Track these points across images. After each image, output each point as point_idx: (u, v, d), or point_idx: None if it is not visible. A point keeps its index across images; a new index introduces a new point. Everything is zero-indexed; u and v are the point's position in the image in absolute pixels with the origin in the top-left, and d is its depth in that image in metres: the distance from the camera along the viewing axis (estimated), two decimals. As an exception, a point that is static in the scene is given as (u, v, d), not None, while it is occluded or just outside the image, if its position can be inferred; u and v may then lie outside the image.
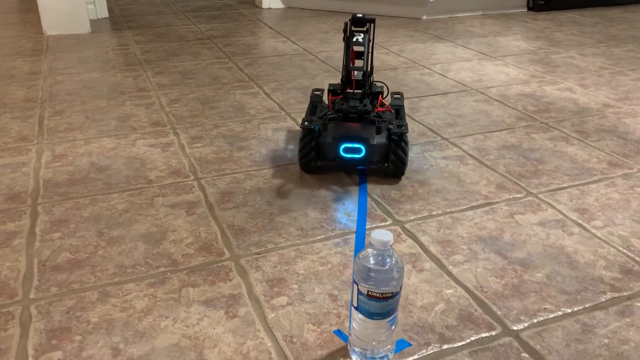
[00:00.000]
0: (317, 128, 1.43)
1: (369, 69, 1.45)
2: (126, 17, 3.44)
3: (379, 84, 1.58)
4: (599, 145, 1.68)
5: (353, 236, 1.22)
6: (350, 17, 1.43)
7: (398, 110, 1.56)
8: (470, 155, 1.60)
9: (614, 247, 1.19)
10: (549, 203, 1.36)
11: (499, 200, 1.37)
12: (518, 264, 1.13)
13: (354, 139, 1.39)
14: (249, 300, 1.02)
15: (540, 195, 1.39)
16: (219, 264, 1.12)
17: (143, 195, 1.38)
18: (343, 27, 1.44)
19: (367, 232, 1.24)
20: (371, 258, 0.82)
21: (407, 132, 1.40)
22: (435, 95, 2.08)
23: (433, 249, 1.18)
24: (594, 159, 1.59)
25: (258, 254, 1.15)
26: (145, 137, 1.71)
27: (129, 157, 1.57)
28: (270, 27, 3.20)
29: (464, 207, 1.34)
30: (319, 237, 1.21)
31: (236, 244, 1.18)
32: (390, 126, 1.41)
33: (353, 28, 1.45)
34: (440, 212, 1.31)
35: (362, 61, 1.43)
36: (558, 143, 1.69)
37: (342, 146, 1.40)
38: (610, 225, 1.27)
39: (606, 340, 0.94)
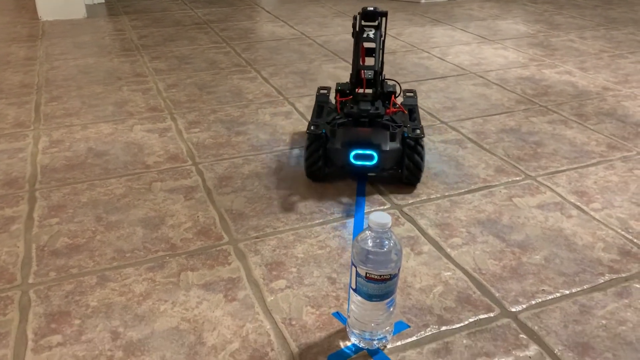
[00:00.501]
0: (324, 132, 1.31)
1: (380, 68, 1.35)
2: (122, 2, 3.41)
3: (390, 82, 1.46)
4: (598, 128, 1.67)
5: (352, 220, 1.22)
6: (359, 10, 1.33)
7: (411, 110, 1.45)
8: (469, 138, 1.60)
9: (612, 229, 1.19)
10: (547, 186, 1.35)
11: (497, 183, 1.37)
12: (516, 247, 1.13)
13: (365, 145, 1.28)
14: (247, 284, 1.02)
15: (539, 178, 1.39)
16: (218, 248, 1.12)
17: (141, 180, 1.37)
18: (352, 21, 1.33)
19: (365, 215, 1.23)
20: (369, 240, 0.82)
21: (424, 136, 1.28)
22: (434, 79, 2.07)
23: (431, 232, 1.18)
24: (593, 142, 1.58)
25: (257, 237, 1.15)
26: (142, 122, 1.70)
27: (127, 143, 1.57)
28: (267, 11, 3.17)
29: (463, 190, 1.33)
30: (317, 221, 1.21)
31: (235, 228, 1.18)
32: (405, 129, 1.30)
33: (363, 23, 1.34)
34: (438, 195, 1.31)
35: (373, 59, 1.32)
36: (557, 126, 1.68)
37: (353, 153, 1.28)
38: (608, 207, 1.27)
39: (604, 321, 0.94)
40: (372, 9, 1.32)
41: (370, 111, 1.30)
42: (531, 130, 1.66)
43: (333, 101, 1.49)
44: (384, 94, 1.40)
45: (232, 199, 1.29)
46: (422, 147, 1.29)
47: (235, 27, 2.83)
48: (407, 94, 1.54)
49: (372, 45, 1.31)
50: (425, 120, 1.72)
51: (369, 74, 1.33)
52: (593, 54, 2.38)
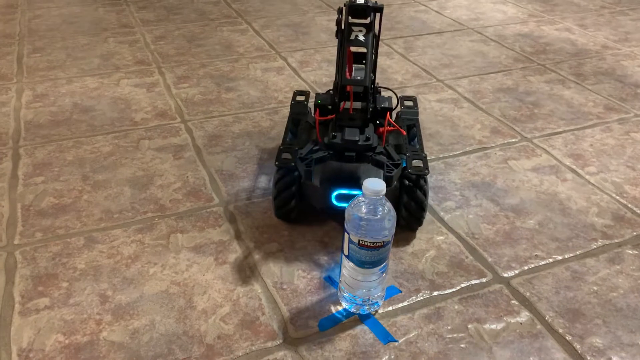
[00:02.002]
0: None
1: (373, 80, 1.06)
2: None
3: (383, 93, 1.18)
4: (596, 88, 1.64)
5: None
6: (345, 1, 1.03)
7: (410, 126, 1.16)
8: (465, 98, 1.56)
9: (607, 193, 1.18)
10: (543, 148, 1.33)
11: (493, 145, 1.34)
12: (510, 211, 1.12)
13: (350, 183, 1.01)
14: (238, 247, 1.01)
15: (535, 140, 1.37)
16: (208, 210, 1.10)
17: (128, 137, 1.34)
18: (336, 16, 1.04)
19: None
20: (363, 207, 0.80)
21: (428, 172, 1.00)
22: (431, 34, 2.02)
23: (425, 194, 1.16)
24: (591, 103, 1.55)
25: (248, 199, 1.13)
26: (129, 76, 1.64)
27: (113, 98, 1.52)
28: (259, -41, 3.04)
29: (458, 152, 1.31)
30: (309, 182, 1.19)
31: (225, 190, 1.16)
32: (404, 162, 1.03)
33: (351, 19, 1.04)
34: (433, 157, 1.29)
35: (362, 69, 1.03)
36: (555, 86, 1.65)
37: (335, 193, 1.01)
38: (604, 171, 1.26)
39: (595, 288, 0.94)
40: (362, 2, 1.02)
41: (359, 142, 1.00)
42: (528, 90, 1.62)
43: (312, 112, 1.20)
44: (376, 112, 1.11)
45: (223, 159, 1.26)
46: (426, 181, 1.02)
47: (226, -25, 2.72)
48: (406, 102, 1.24)
49: (362, 50, 1.03)
50: (420, 77, 1.68)
51: (357, 88, 1.06)
52: (594, 10, 2.32)
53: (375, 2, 1.05)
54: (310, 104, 1.26)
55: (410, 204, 1.01)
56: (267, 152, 1.29)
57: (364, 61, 1.04)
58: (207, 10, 2.21)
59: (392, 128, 1.11)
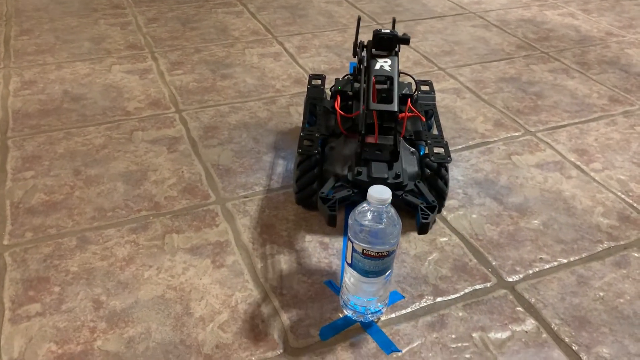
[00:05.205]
0: (320, 143, 1.05)
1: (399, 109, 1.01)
2: None
3: (402, 78, 1.16)
4: (600, 78, 1.60)
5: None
6: (371, 33, 1.01)
7: (428, 112, 1.16)
8: (467, 88, 1.52)
9: (612, 192, 1.16)
10: (547, 143, 1.30)
11: (496, 139, 1.31)
12: (514, 210, 1.10)
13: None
14: (236, 249, 0.98)
15: (539, 134, 1.34)
16: (205, 208, 1.07)
17: (121, 128, 1.29)
18: (355, 44, 1.02)
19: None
20: (368, 215, 0.77)
21: (450, 160, 1.01)
22: (432, 19, 1.96)
23: (427, 192, 1.13)
24: (595, 94, 1.52)
25: (245, 197, 1.10)
26: (121, 61, 1.59)
27: (105, 85, 1.47)
28: None
29: (460, 146, 1.28)
30: (308, 179, 1.15)
31: (222, 186, 1.12)
32: (426, 150, 1.04)
33: (374, 51, 1.02)
34: (435, 151, 1.26)
35: (389, 101, 0.98)
36: (558, 76, 1.61)
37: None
38: (609, 168, 1.23)
39: (601, 293, 0.92)
40: (388, 32, 0.99)
41: (388, 180, 0.96)
42: (531, 79, 1.58)
43: (328, 97, 1.21)
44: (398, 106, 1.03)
45: (219, 153, 1.22)
46: (447, 169, 1.01)
47: (220, -48, 2.63)
48: (422, 86, 1.23)
49: (386, 80, 1.01)
50: (422, 65, 1.64)
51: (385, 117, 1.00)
52: (597, -6, 2.27)
53: (404, 33, 1.02)
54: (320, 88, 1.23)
55: (431, 193, 0.99)
56: (264, 146, 1.25)
57: (390, 88, 0.99)
58: (201, -10, 2.14)
59: (410, 114, 1.08)
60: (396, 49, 1.04)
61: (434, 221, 0.97)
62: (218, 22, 1.87)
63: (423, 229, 0.92)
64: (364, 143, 0.99)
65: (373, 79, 0.99)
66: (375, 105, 0.97)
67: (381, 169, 0.96)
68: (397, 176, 0.96)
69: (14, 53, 1.61)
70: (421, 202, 0.95)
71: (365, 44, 1.06)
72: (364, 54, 1.07)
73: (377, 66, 0.99)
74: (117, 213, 1.05)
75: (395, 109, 0.98)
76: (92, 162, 1.18)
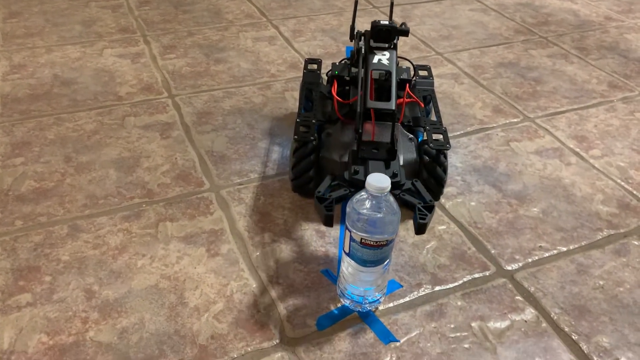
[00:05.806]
0: (317, 129, 1.03)
1: (397, 107, 0.98)
2: None
3: (400, 63, 1.12)
4: (600, 64, 1.58)
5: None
6: (369, 23, 0.99)
7: (426, 98, 1.14)
8: (465, 73, 1.50)
9: (612, 179, 1.14)
10: (546, 129, 1.29)
11: (494, 125, 1.29)
12: (513, 197, 1.08)
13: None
14: (231, 237, 0.96)
15: (538, 120, 1.32)
16: (199, 196, 1.04)
17: (113, 114, 1.26)
18: (352, 27, 0.99)
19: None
20: (366, 203, 0.76)
21: (449, 147, 0.99)
22: (429, 2, 1.93)
23: (425, 179, 1.12)
24: (594, 80, 1.50)
25: (240, 184, 1.08)
26: (113, 45, 1.55)
27: (96, 69, 1.43)
28: None
29: (458, 132, 1.26)
30: (304, 165, 1.13)
31: (216, 173, 1.10)
32: (424, 136, 1.02)
33: (372, 43, 1.00)
34: (433, 138, 1.24)
35: (387, 99, 0.95)
36: (557, 61, 1.59)
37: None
38: (608, 154, 1.21)
39: (601, 282, 0.91)
40: (387, 23, 0.96)
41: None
42: (530, 64, 1.56)
43: (325, 82, 1.18)
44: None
45: (213, 139, 1.20)
46: (446, 156, 1.00)
47: None
48: (420, 71, 1.21)
49: (384, 73, 0.99)
50: (419, 50, 1.61)
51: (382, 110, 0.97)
52: (596, -22, 2.24)
53: (403, 23, 0.98)
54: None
55: (429, 180, 0.99)
56: (259, 132, 1.23)
57: (390, 89, 0.97)
58: (194, -28, 2.10)
59: (409, 100, 1.06)
60: (395, 41, 1.01)
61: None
62: (211, 4, 1.83)
63: (421, 230, 0.90)
64: (360, 142, 0.97)
65: (371, 73, 0.97)
66: (372, 103, 0.95)
67: (378, 167, 0.94)
68: (395, 175, 0.95)
69: (3, 36, 1.57)
70: (418, 202, 0.93)
71: (362, 33, 1.03)
72: (361, 43, 1.04)
73: (375, 60, 0.96)
74: (109, 201, 1.02)
75: (393, 107, 0.95)
76: (83, 149, 1.15)
